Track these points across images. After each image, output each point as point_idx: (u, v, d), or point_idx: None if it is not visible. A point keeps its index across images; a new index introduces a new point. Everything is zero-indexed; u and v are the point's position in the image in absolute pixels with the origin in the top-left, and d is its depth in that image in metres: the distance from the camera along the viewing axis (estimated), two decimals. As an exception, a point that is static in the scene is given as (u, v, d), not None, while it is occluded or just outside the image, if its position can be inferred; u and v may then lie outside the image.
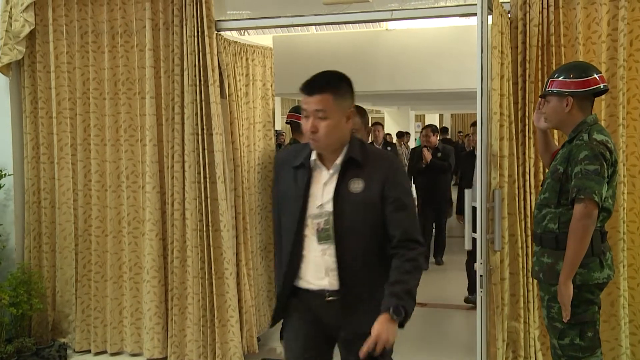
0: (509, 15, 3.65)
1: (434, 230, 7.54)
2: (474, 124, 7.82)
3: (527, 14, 3.59)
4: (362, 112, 3.56)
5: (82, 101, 4.50)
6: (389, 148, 7.88)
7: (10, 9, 4.36)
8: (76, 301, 4.56)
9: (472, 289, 5.82)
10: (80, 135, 4.51)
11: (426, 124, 8.95)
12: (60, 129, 4.52)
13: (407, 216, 2.34)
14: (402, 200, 2.34)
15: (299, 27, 8.00)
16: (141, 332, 4.43)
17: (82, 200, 4.52)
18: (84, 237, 4.54)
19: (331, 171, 2.39)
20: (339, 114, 2.31)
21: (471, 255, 5.87)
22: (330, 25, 7.99)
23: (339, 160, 2.37)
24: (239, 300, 4.39)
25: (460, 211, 6.06)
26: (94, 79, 4.47)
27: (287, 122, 5.03)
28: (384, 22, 7.43)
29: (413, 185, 7.23)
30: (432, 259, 7.62)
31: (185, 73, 4.21)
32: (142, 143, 4.40)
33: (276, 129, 12.96)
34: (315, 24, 7.15)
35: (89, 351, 4.56)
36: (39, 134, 4.55)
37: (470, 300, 5.72)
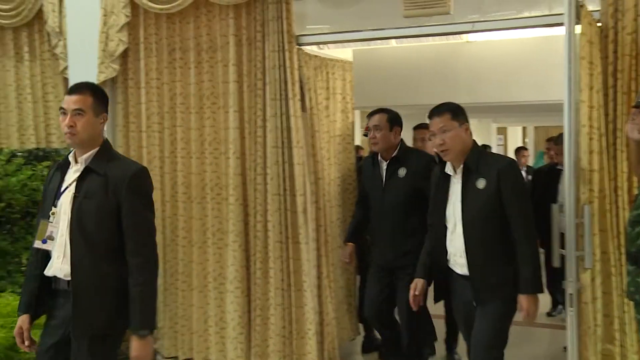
0: (599, 24, 3.51)
1: None
2: (550, 139, 7.46)
3: (619, 22, 3.44)
4: None
5: (169, 115, 4.66)
6: None
7: (107, 30, 4.61)
8: (164, 309, 4.70)
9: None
10: (167, 149, 4.67)
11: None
12: (149, 142, 4.70)
13: None
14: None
15: (379, 40, 7.99)
16: (225, 341, 4.53)
17: (169, 211, 4.67)
18: (171, 246, 4.68)
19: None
20: None
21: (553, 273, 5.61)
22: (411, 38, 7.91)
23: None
24: (320, 313, 4.42)
25: None
26: (181, 94, 4.62)
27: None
28: (465, 34, 7.31)
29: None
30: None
31: (268, 87, 4.31)
32: (225, 156, 4.51)
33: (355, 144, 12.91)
34: (395, 37, 7.11)
35: (176, 357, 4.69)
36: (129, 147, 4.74)
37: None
